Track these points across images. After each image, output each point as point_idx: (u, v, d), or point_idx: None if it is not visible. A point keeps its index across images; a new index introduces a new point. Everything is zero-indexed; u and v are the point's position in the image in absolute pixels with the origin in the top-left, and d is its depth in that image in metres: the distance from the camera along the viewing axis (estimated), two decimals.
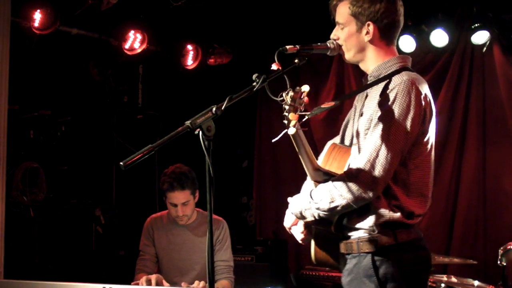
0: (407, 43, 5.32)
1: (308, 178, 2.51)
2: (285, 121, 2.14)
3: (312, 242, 2.61)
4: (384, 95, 2.36)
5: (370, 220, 2.37)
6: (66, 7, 5.28)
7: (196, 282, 3.44)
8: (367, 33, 2.47)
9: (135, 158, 1.96)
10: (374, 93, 2.42)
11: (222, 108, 2.07)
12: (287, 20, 6.01)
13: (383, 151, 2.29)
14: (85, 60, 5.84)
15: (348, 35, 2.49)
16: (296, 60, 2.32)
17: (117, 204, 5.99)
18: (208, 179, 1.99)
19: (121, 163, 1.96)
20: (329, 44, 2.46)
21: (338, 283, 5.31)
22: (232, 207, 7.02)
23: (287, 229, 2.65)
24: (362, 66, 2.56)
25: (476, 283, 4.31)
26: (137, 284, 3.43)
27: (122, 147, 6.19)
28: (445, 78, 5.63)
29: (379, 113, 2.33)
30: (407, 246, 2.37)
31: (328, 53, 2.47)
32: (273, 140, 2.32)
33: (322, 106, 2.35)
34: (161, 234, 3.85)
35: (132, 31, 5.70)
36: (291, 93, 2.13)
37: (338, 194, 2.31)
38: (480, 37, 5.26)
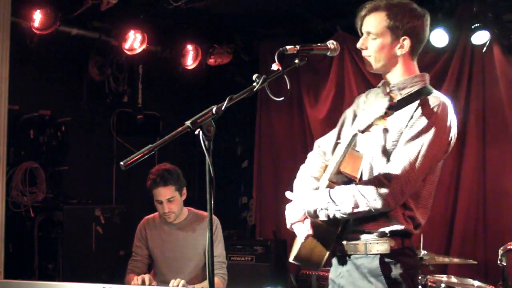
0: None
1: (304, 175, 2.61)
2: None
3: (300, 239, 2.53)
4: (420, 113, 2.39)
5: (383, 226, 2.43)
6: (66, 7, 5.28)
7: (172, 280, 3.46)
8: (401, 47, 2.49)
9: (135, 158, 1.96)
10: (407, 107, 2.43)
11: (222, 108, 2.07)
12: (286, 19, 6.01)
13: (414, 168, 2.35)
14: (85, 60, 5.84)
15: (381, 47, 2.50)
16: (296, 60, 2.32)
17: (117, 204, 5.99)
18: (208, 179, 1.99)
19: (121, 163, 1.96)
20: (329, 44, 2.44)
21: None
22: (232, 207, 7.02)
23: (290, 225, 2.54)
24: (386, 76, 2.57)
25: (476, 283, 4.29)
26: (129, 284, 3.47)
27: (122, 147, 6.19)
28: (445, 78, 5.61)
29: (414, 130, 2.37)
30: (409, 251, 2.48)
31: (328, 54, 2.45)
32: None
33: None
34: (154, 234, 3.86)
35: (132, 31, 5.71)
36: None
37: (364, 201, 2.35)
38: (480, 37, 5.24)
